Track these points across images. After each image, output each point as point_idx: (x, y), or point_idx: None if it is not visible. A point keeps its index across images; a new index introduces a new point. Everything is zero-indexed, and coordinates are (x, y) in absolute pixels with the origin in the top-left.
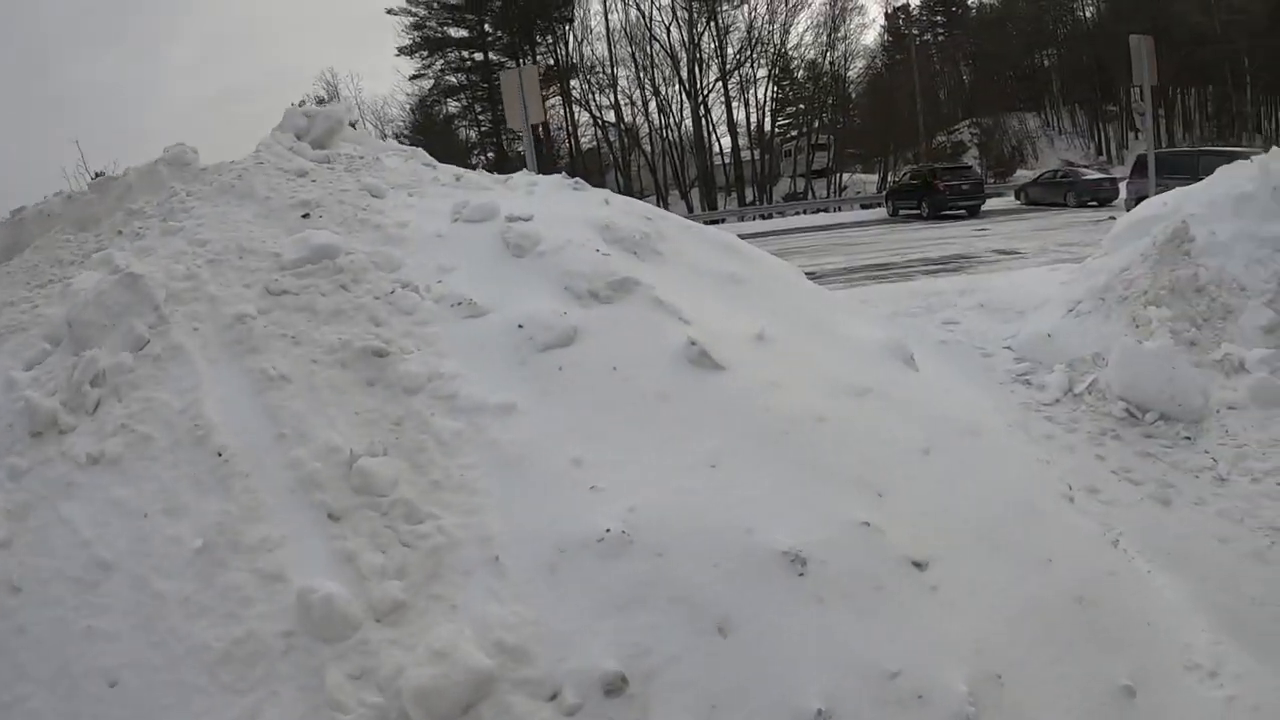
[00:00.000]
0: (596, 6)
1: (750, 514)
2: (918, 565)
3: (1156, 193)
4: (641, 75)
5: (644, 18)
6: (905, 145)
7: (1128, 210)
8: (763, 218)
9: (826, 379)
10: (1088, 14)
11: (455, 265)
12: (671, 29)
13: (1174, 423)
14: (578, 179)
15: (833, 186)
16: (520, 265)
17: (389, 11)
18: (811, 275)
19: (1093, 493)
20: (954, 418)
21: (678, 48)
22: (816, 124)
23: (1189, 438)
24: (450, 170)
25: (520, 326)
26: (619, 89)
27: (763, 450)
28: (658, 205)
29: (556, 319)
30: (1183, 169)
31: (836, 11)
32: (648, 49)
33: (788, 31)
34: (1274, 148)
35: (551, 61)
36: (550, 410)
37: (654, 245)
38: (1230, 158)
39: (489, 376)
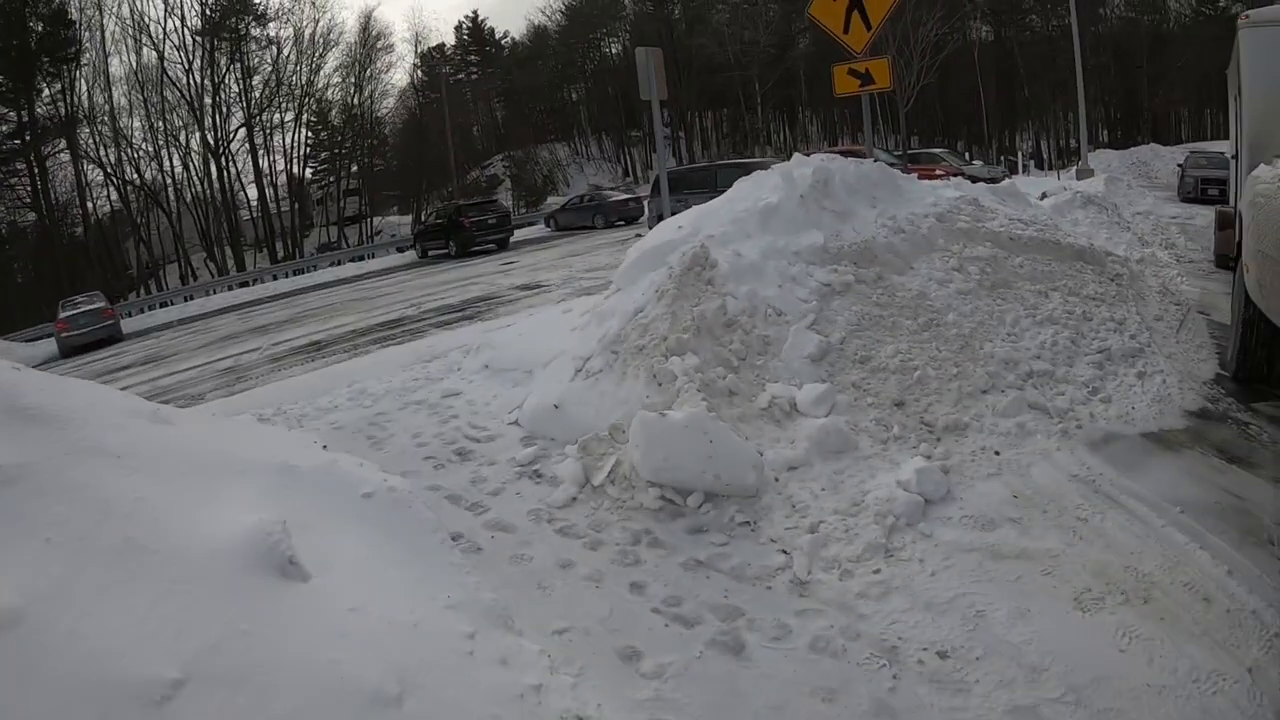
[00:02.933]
0: (110, 48)
1: None
2: None
3: (675, 211)
4: (156, 124)
5: (160, 58)
6: (439, 184)
7: (651, 229)
8: (296, 273)
9: (92, 700)
10: (614, 50)
11: None
12: (192, 72)
13: (726, 503)
14: None
15: (366, 232)
16: None
17: None
18: (316, 345)
19: (632, 661)
20: (357, 679)
21: (197, 93)
22: (355, 168)
23: (749, 523)
24: None
25: None
26: (133, 142)
27: None
28: (181, 270)
29: None
30: (700, 184)
31: (365, 51)
32: (163, 94)
33: (317, 71)
34: (795, 153)
35: (61, 111)
36: None
37: None
38: (747, 169)
39: None
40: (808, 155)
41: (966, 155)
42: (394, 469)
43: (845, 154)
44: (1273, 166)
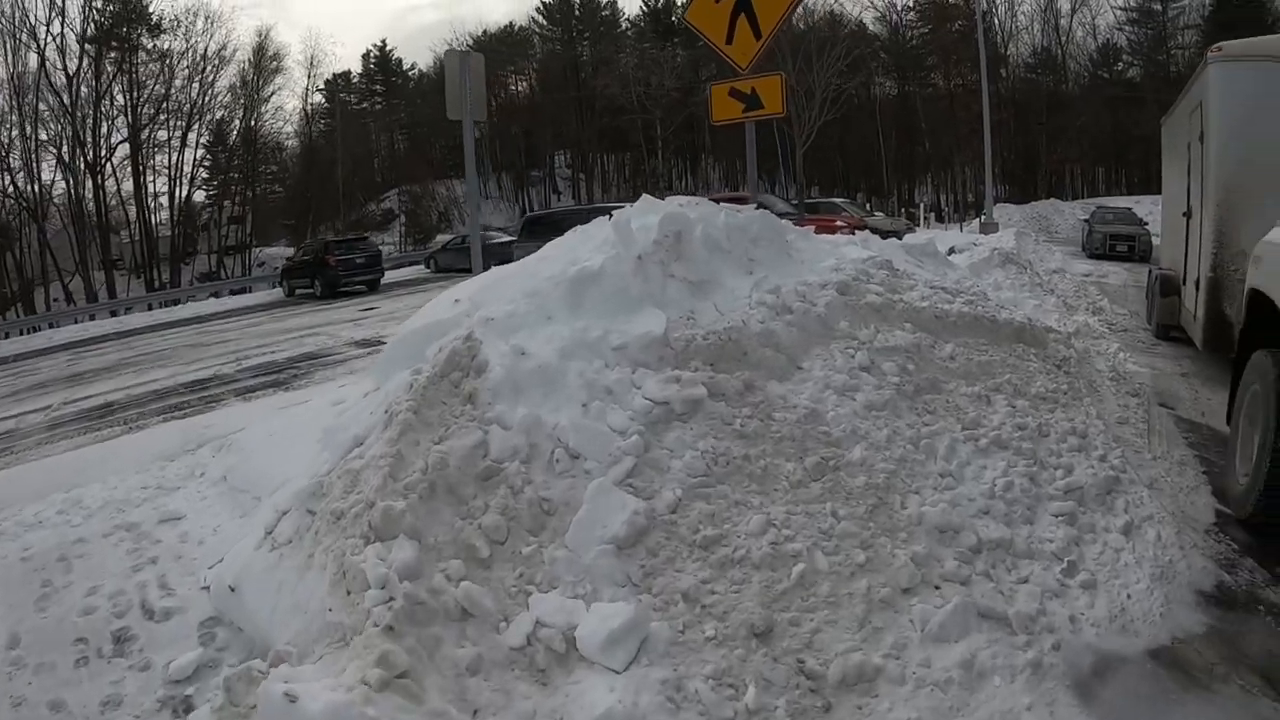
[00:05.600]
0: None
1: None
2: None
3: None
4: (29, 132)
5: (41, 59)
6: (330, 215)
7: None
8: (170, 304)
9: None
10: (520, 88)
11: None
12: (75, 81)
13: None
14: None
15: (247, 263)
16: None
17: None
18: (107, 408)
19: None
20: None
21: (76, 102)
22: (251, 194)
23: None
24: None
25: None
26: (9, 150)
27: None
28: (47, 295)
29: None
30: (557, 231)
31: (256, 72)
32: (38, 99)
33: (209, 87)
34: (644, 195)
35: None
36: None
37: None
38: (604, 213)
39: None
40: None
41: (867, 206)
42: (33, 653)
43: (731, 201)
44: None
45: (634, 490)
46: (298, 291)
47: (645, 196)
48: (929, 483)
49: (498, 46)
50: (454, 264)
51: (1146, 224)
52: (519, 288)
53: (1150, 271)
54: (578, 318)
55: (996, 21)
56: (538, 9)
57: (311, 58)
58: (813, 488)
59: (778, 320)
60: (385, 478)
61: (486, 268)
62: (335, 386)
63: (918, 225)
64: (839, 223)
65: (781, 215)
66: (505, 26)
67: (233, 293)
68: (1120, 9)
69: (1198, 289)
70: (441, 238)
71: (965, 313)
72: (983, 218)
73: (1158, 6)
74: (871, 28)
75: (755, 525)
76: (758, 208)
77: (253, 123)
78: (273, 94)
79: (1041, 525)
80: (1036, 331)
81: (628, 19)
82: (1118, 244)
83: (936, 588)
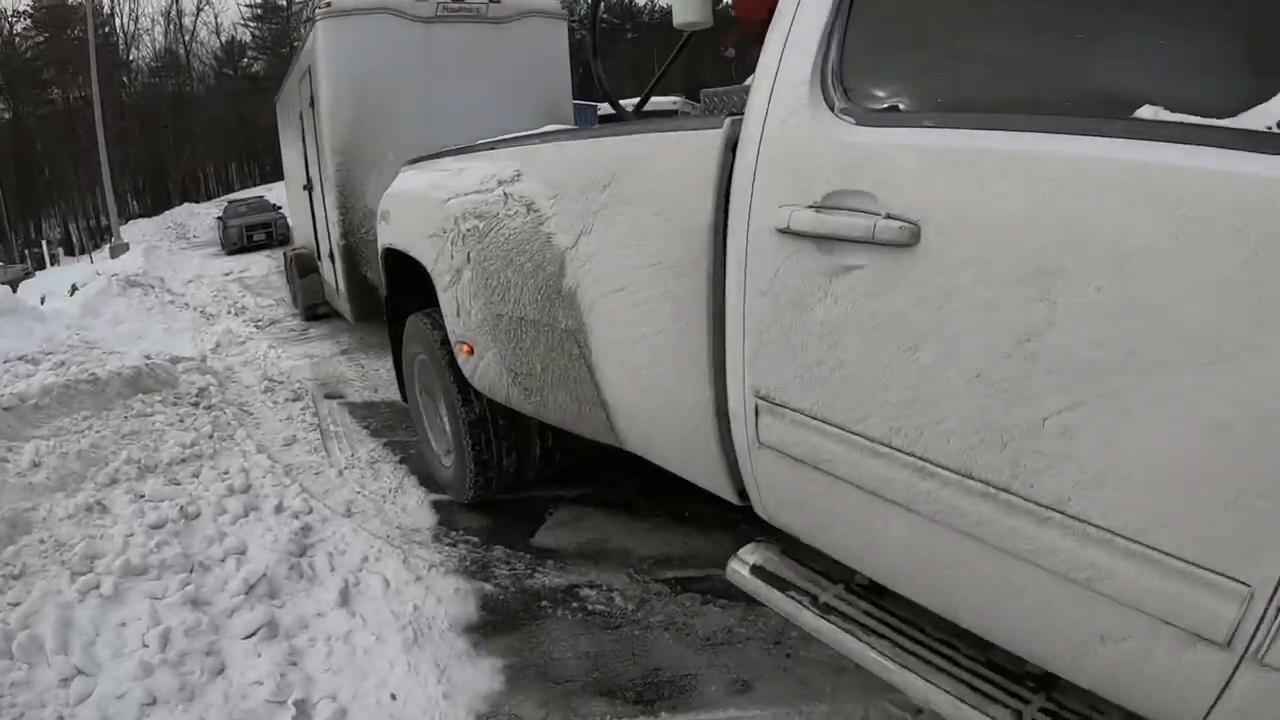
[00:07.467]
0: None
1: None
2: None
3: None
4: None
5: None
6: None
7: None
8: None
9: None
10: None
11: None
12: None
13: None
14: None
15: None
16: None
17: None
18: None
19: None
20: None
21: None
22: None
23: None
24: None
25: None
26: None
27: None
28: None
29: None
30: None
31: None
32: None
33: None
34: None
35: None
36: None
37: None
38: None
39: None
40: None
41: None
42: None
43: None
44: (426, 173)
45: None
46: None
47: None
48: None
49: None
50: None
51: (280, 208)
52: None
53: (285, 254)
54: None
55: (118, 24)
56: None
57: None
58: None
59: None
60: None
61: None
62: None
63: (45, 267)
64: None
65: None
66: None
67: None
68: (246, 6)
69: (334, 261)
70: None
71: (51, 385)
72: (112, 241)
73: (282, 2)
74: None
75: None
76: None
77: None
78: None
79: (240, 667)
80: (159, 369)
81: None
82: (254, 233)
83: None
